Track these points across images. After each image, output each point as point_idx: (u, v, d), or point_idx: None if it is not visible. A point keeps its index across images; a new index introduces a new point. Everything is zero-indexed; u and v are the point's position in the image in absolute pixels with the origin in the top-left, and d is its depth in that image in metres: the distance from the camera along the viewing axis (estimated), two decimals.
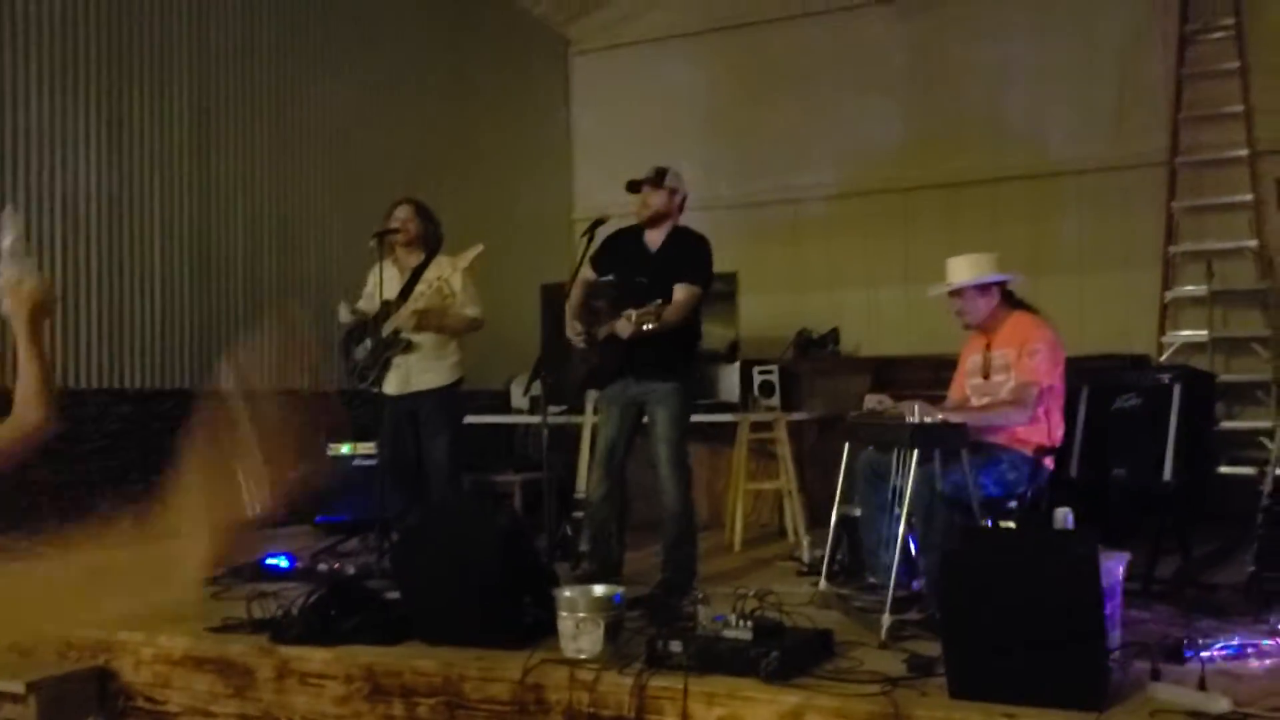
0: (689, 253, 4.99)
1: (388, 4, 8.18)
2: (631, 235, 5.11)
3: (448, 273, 5.27)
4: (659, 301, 4.56)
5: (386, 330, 5.34)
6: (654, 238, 5.04)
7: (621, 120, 9.77)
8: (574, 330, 5.04)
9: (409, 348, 5.36)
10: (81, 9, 6.18)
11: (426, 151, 8.36)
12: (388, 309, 5.36)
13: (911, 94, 8.67)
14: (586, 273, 5.17)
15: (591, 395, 5.86)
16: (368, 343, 5.41)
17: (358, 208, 7.61)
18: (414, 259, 5.51)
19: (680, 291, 4.83)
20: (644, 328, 4.51)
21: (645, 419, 5.04)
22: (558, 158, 9.89)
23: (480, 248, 5.18)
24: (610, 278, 5.06)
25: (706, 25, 9.39)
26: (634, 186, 5.00)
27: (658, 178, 4.98)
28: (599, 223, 5.10)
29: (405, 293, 5.38)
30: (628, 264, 5.01)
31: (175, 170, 6.68)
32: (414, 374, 5.41)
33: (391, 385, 5.41)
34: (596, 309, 5.06)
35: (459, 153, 8.67)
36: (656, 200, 4.97)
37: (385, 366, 5.38)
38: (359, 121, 7.90)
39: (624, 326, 4.59)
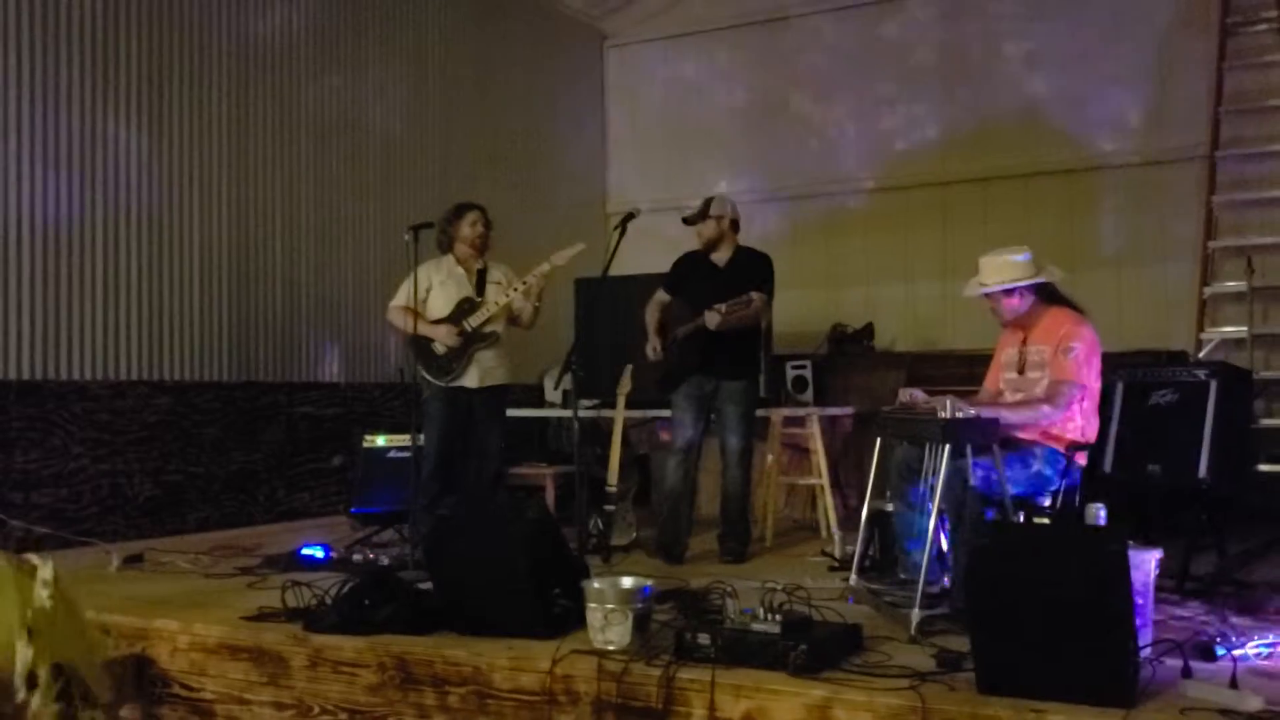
0: (756, 269, 5.56)
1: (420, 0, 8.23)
2: (699, 257, 5.68)
3: (511, 273, 5.74)
4: (747, 296, 5.17)
5: (474, 324, 5.59)
6: (719, 257, 5.61)
7: (656, 114, 9.79)
8: (652, 347, 5.64)
9: (495, 341, 5.65)
10: (122, 16, 6.28)
11: (460, 145, 8.41)
12: (470, 305, 5.63)
13: (947, 87, 8.61)
14: (661, 295, 5.73)
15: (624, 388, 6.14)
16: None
17: (392, 203, 7.70)
18: (477, 261, 5.77)
19: (754, 295, 5.34)
20: (733, 316, 5.17)
21: (713, 414, 5.63)
22: (592, 151, 9.91)
23: (582, 245, 5.56)
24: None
25: (740, 19, 9.38)
26: (688, 221, 5.59)
27: (704, 210, 5.55)
28: (630, 216, 5.22)
29: (480, 291, 5.70)
30: (699, 282, 5.56)
31: (214, 169, 6.78)
32: (490, 368, 5.67)
33: (472, 379, 5.65)
34: (670, 325, 5.62)
35: (492, 146, 8.71)
36: (708, 231, 5.56)
37: (469, 361, 5.59)
38: (393, 118, 7.97)
39: (712, 318, 5.23)
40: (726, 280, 5.45)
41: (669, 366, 5.58)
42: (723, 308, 5.16)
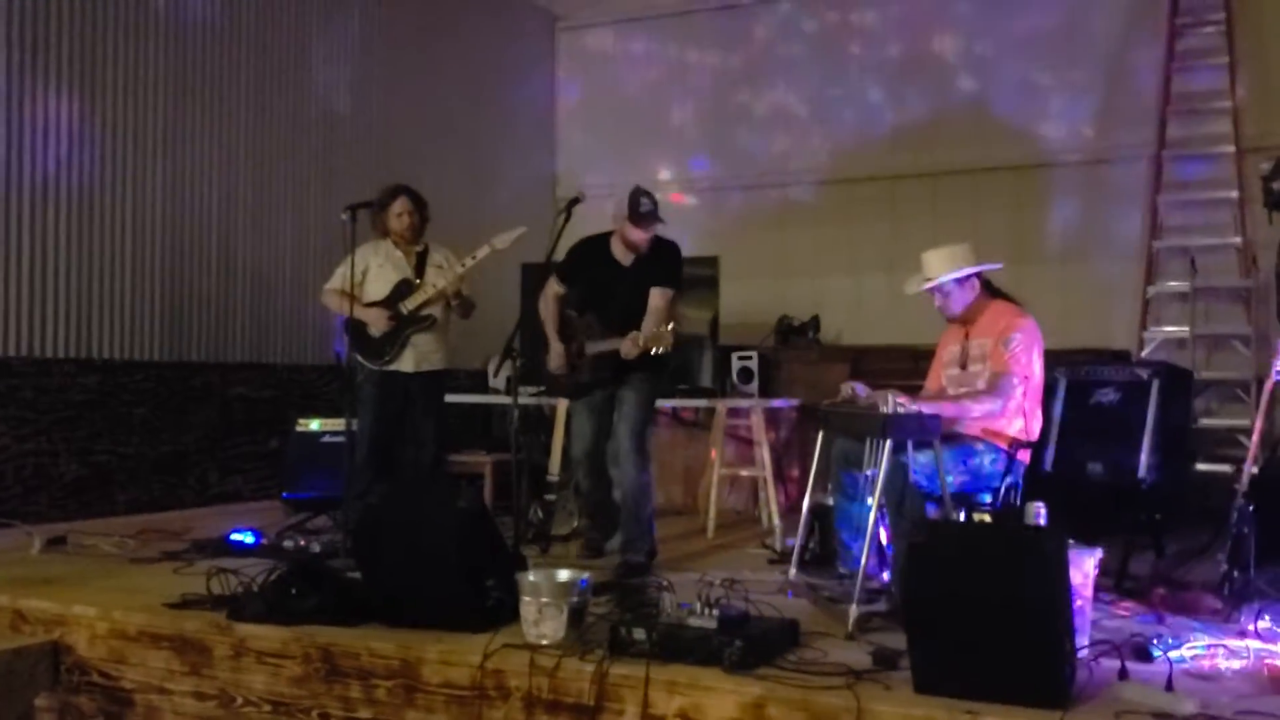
0: (664, 260, 5.07)
1: None
2: (599, 245, 5.15)
3: (453, 257, 5.55)
4: (670, 326, 4.68)
5: (410, 307, 5.44)
6: (625, 255, 5.08)
7: (606, 99, 9.69)
8: (556, 357, 5.18)
9: (431, 325, 5.50)
10: None
11: (405, 125, 8.26)
12: (408, 288, 5.48)
13: (898, 82, 8.60)
14: (556, 287, 5.26)
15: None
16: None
17: (334, 182, 7.54)
18: (415, 245, 5.61)
19: (658, 297, 4.95)
20: (652, 351, 4.68)
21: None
22: (541, 135, 9.79)
23: (523, 229, 5.33)
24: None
25: (695, 5, 9.30)
26: (649, 221, 4.94)
27: (658, 211, 4.98)
28: (575, 201, 5.09)
29: (419, 274, 5.54)
30: (602, 280, 5.09)
31: (148, 142, 6.60)
32: (426, 353, 5.53)
33: (408, 363, 5.51)
34: (570, 319, 5.22)
35: (439, 127, 8.57)
36: (650, 234, 4.99)
37: (404, 344, 5.46)
38: (336, 95, 7.81)
39: (629, 349, 4.74)
40: (634, 282, 5.00)
41: (578, 379, 5.18)
42: (640, 340, 4.70)
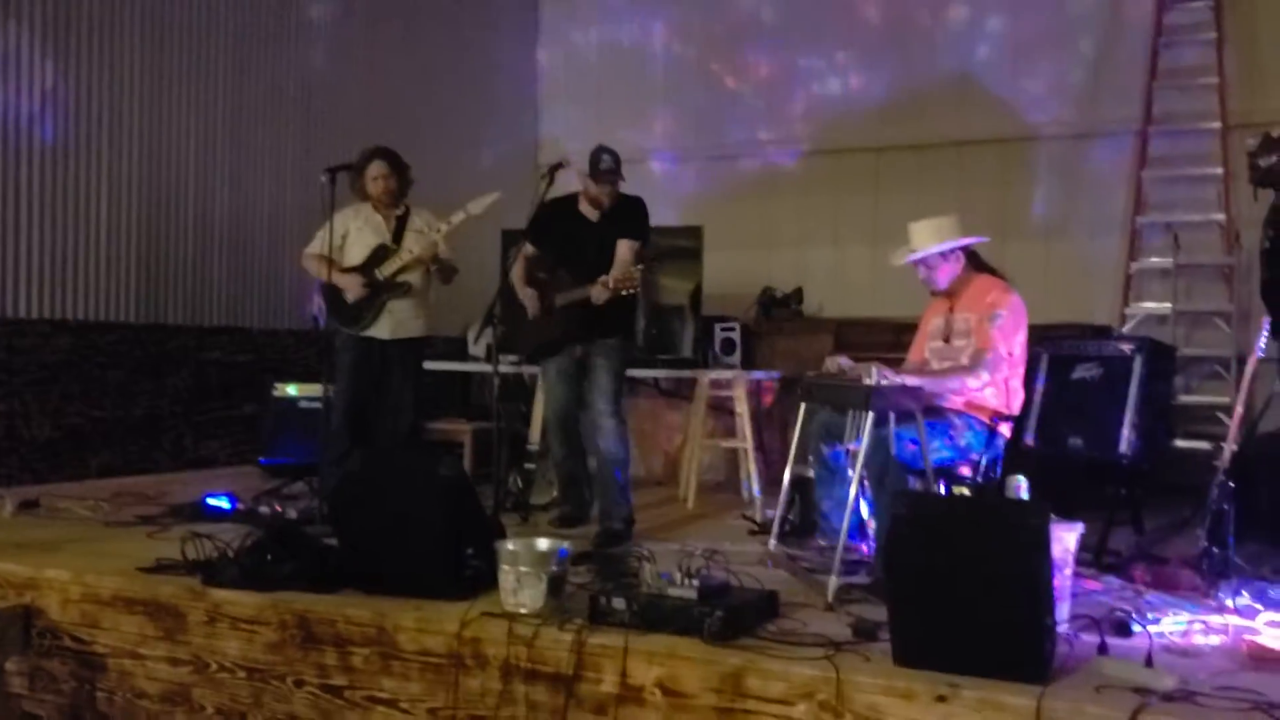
0: (630, 213, 5.11)
1: None
2: (567, 206, 5.18)
3: (434, 220, 5.43)
4: (640, 266, 4.77)
5: (384, 273, 5.35)
6: (591, 211, 5.12)
7: (590, 64, 9.59)
8: (529, 299, 5.18)
9: (408, 291, 5.40)
10: None
11: (385, 88, 8.15)
12: (383, 253, 5.38)
13: (885, 53, 8.52)
14: (527, 248, 5.26)
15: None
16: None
17: (312, 143, 7.44)
18: (395, 209, 5.52)
19: (624, 248, 4.98)
20: (622, 293, 4.76)
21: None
22: (524, 100, 9.68)
23: (498, 194, 5.25)
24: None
25: None
26: (608, 177, 5.00)
27: (620, 168, 5.03)
28: (559, 166, 5.03)
29: (397, 239, 5.43)
30: (570, 237, 5.11)
31: (125, 101, 6.49)
32: (404, 320, 5.44)
33: (384, 329, 5.43)
34: (542, 280, 5.19)
35: (420, 90, 8.46)
36: (613, 191, 5.05)
37: (380, 310, 5.37)
38: (315, 56, 7.70)
39: (599, 294, 4.77)
40: (601, 236, 5.01)
41: (550, 335, 5.15)
42: (609, 281, 4.74)
